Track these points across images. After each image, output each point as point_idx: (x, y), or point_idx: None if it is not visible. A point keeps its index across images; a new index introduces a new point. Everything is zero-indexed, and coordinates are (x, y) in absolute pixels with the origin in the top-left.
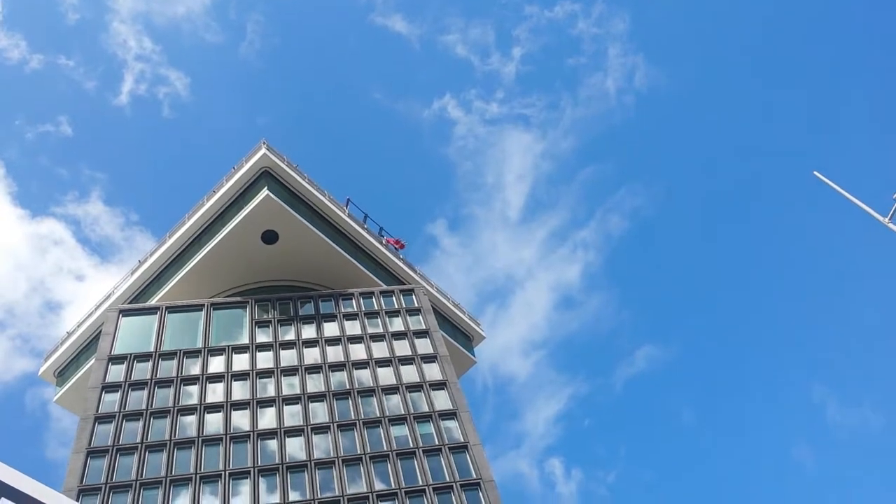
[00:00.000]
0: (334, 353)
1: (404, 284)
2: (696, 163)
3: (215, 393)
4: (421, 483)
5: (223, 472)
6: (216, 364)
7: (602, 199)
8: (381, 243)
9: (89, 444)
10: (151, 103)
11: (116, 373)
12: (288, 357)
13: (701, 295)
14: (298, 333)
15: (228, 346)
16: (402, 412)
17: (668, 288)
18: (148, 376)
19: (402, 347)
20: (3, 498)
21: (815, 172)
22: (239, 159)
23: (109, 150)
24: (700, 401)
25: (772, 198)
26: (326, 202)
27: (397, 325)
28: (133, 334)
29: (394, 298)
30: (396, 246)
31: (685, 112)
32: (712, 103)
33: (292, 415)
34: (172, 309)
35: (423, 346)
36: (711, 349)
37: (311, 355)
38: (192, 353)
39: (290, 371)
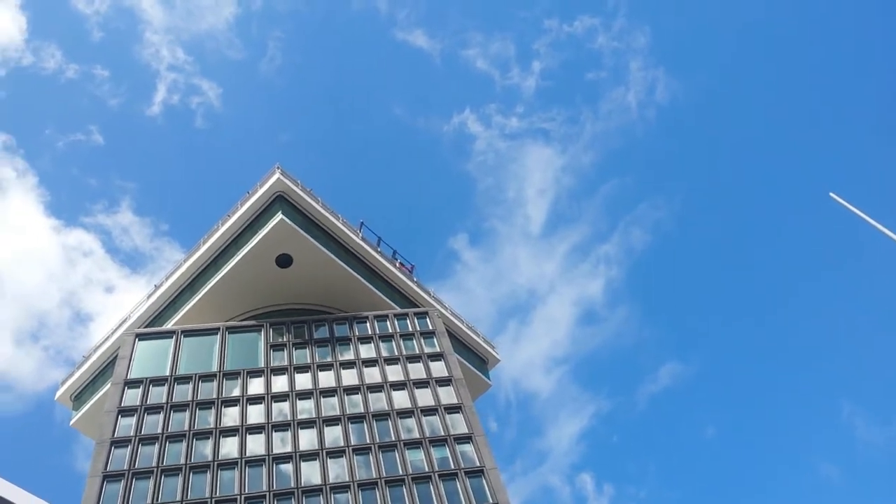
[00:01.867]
0: (349, 377)
1: (418, 307)
2: (717, 176)
3: (231, 417)
4: None
5: (239, 496)
6: (231, 388)
7: (624, 212)
8: (394, 266)
9: (105, 468)
10: (184, 113)
11: (132, 397)
12: (303, 381)
13: (723, 310)
14: (313, 357)
15: (244, 369)
16: (418, 436)
17: (691, 303)
18: (164, 400)
19: (416, 371)
20: None
21: (832, 194)
22: (259, 175)
23: (140, 159)
24: (724, 418)
25: (792, 212)
26: (340, 226)
27: (412, 348)
28: (149, 358)
29: (408, 321)
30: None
31: (706, 125)
32: (733, 117)
33: (307, 439)
34: (188, 333)
35: (438, 369)
36: (734, 365)
37: (326, 379)
38: (208, 377)
39: (305, 395)
